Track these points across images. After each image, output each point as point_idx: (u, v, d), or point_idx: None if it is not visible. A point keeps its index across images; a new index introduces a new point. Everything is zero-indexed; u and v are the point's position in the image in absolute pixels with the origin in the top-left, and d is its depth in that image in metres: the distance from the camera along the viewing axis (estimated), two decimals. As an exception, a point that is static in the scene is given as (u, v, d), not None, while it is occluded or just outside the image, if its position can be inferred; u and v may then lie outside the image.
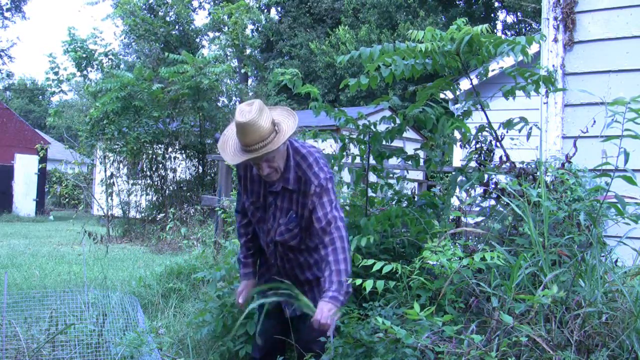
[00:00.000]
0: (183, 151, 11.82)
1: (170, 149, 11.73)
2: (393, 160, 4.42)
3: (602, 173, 2.32)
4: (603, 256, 2.22)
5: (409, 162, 3.28)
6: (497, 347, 1.79)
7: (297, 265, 2.52)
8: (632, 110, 1.94)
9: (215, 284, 3.41)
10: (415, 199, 3.33)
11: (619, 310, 1.88)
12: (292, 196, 2.40)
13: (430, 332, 1.89)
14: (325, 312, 2.13)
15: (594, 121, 2.64)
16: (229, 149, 2.31)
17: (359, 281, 2.12)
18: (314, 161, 2.41)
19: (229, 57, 13.79)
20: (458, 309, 2.14)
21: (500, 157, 2.94)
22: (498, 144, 2.99)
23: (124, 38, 14.90)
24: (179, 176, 11.86)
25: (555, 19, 3.39)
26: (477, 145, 3.09)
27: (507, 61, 6.64)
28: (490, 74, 3.18)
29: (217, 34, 15.38)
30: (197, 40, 15.61)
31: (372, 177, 3.45)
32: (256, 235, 2.62)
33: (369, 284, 2.08)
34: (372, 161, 3.33)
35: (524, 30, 24.18)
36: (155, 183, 11.64)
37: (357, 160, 3.42)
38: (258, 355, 2.65)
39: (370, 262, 2.22)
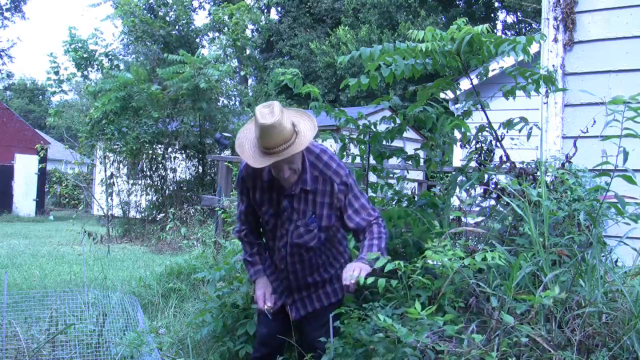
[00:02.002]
0: (183, 151, 11.82)
1: (170, 149, 11.73)
2: (393, 160, 4.42)
3: (602, 172, 2.32)
4: (603, 256, 2.22)
5: (409, 162, 3.28)
6: (497, 347, 1.79)
7: (308, 267, 2.49)
8: (632, 109, 1.94)
9: (215, 284, 3.41)
10: (415, 199, 3.33)
11: (619, 310, 1.88)
12: (308, 197, 2.38)
13: (431, 332, 1.89)
14: (349, 270, 2.19)
15: (594, 121, 2.64)
16: (247, 152, 2.24)
17: (361, 279, 2.13)
18: (330, 159, 2.40)
19: (229, 57, 13.76)
20: (458, 308, 2.14)
21: (500, 157, 2.94)
22: (498, 144, 2.99)
23: (123, 39, 14.90)
24: (179, 176, 11.86)
25: (555, 19, 3.39)
26: (477, 145, 3.08)
27: (507, 61, 6.62)
28: (491, 74, 3.17)
29: (217, 34, 15.37)
30: (197, 40, 15.60)
31: (372, 177, 3.45)
32: (259, 238, 2.61)
33: (370, 280, 2.09)
34: (372, 161, 3.33)
35: (524, 30, 24.18)
36: (155, 183, 11.64)
37: (357, 160, 3.42)
38: (258, 355, 2.65)
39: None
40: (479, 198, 2.87)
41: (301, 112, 2.35)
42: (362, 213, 2.39)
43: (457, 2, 25.15)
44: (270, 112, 2.16)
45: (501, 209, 2.63)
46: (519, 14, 23.86)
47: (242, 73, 13.38)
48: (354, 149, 3.44)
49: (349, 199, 2.39)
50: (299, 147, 2.19)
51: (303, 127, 2.25)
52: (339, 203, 2.38)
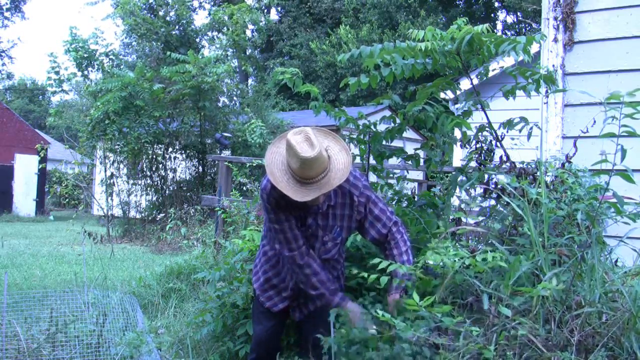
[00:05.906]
0: (183, 151, 11.81)
1: (170, 149, 11.72)
2: (393, 160, 4.42)
3: (600, 171, 2.31)
4: (603, 256, 2.22)
5: (409, 162, 3.28)
6: (495, 342, 1.79)
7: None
8: (629, 105, 1.93)
9: (215, 284, 3.40)
10: (415, 199, 3.32)
11: (618, 310, 1.88)
12: (329, 211, 2.37)
13: (427, 327, 1.89)
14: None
15: (594, 121, 2.63)
16: (282, 183, 2.13)
17: (364, 274, 2.15)
18: None
19: (229, 57, 13.77)
20: (457, 306, 2.14)
21: (501, 157, 2.94)
22: (498, 143, 2.99)
23: (125, 38, 14.90)
24: (179, 176, 11.85)
25: (555, 19, 3.39)
26: (477, 145, 3.08)
27: (508, 61, 6.64)
28: (491, 74, 3.17)
29: (216, 33, 15.37)
30: (197, 40, 15.60)
31: (372, 177, 3.45)
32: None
33: (372, 278, 2.10)
34: (372, 161, 3.33)
35: (524, 30, 24.18)
36: (155, 183, 11.64)
37: (357, 160, 3.42)
38: (255, 356, 2.65)
39: (377, 260, 2.22)
40: (479, 198, 2.87)
41: (325, 132, 2.28)
42: (382, 218, 2.37)
43: (457, 2, 25.16)
44: (305, 140, 2.08)
45: (501, 208, 2.62)
46: (519, 14, 23.85)
47: (243, 69, 13.35)
48: (353, 149, 3.43)
49: (369, 207, 2.38)
50: (339, 175, 2.13)
51: (332, 151, 2.20)
52: (359, 215, 2.38)
